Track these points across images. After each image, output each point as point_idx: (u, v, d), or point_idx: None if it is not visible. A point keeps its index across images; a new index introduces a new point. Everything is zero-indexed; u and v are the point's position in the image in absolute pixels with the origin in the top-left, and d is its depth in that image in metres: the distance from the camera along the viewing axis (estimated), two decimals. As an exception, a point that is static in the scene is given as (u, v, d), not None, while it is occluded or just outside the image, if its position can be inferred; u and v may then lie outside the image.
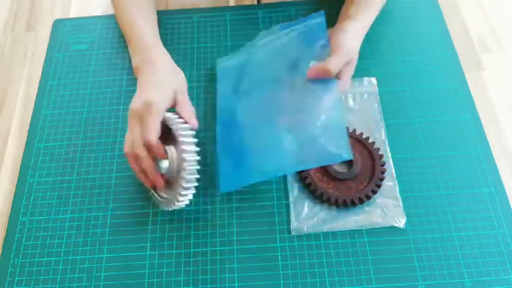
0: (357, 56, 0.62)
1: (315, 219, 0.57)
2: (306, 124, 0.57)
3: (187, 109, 0.58)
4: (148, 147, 0.53)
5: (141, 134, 0.54)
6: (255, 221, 0.58)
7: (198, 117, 0.58)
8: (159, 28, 0.68)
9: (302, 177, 0.59)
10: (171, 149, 0.55)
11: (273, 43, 0.65)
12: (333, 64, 0.57)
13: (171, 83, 0.59)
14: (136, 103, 0.55)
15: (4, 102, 0.69)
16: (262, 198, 0.59)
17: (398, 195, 0.59)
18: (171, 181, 0.56)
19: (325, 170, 0.59)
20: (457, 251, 0.55)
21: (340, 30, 0.61)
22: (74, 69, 0.71)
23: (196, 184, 0.54)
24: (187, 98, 0.59)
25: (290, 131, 0.58)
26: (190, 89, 0.65)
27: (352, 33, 0.61)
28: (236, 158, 0.59)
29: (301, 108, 0.59)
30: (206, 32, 0.73)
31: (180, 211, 0.59)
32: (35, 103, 0.68)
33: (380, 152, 0.61)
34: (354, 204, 0.57)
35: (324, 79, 0.59)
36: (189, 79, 0.67)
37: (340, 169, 0.60)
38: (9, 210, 0.60)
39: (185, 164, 0.52)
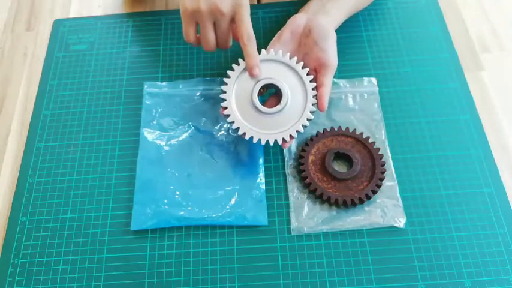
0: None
1: (315, 219, 0.57)
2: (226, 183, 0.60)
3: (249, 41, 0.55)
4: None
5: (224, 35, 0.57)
6: (255, 221, 0.58)
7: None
8: (159, 28, 0.67)
9: (302, 177, 0.59)
10: None
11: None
12: (329, 86, 0.58)
13: None
14: (203, 3, 0.53)
15: (4, 102, 0.69)
16: (262, 198, 0.59)
17: (399, 195, 0.59)
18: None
19: (325, 170, 0.59)
20: (457, 251, 0.55)
21: (327, 38, 0.59)
22: (74, 69, 0.71)
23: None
24: (246, 16, 0.55)
25: (213, 185, 0.59)
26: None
27: (335, 40, 0.60)
28: (154, 197, 0.58)
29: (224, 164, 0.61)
30: (206, 32, 0.73)
31: (180, 211, 0.59)
32: (35, 103, 0.68)
33: (380, 152, 0.61)
34: (354, 204, 0.57)
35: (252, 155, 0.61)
36: (190, 79, 0.68)
37: (340, 169, 0.60)
38: (9, 210, 0.60)
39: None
